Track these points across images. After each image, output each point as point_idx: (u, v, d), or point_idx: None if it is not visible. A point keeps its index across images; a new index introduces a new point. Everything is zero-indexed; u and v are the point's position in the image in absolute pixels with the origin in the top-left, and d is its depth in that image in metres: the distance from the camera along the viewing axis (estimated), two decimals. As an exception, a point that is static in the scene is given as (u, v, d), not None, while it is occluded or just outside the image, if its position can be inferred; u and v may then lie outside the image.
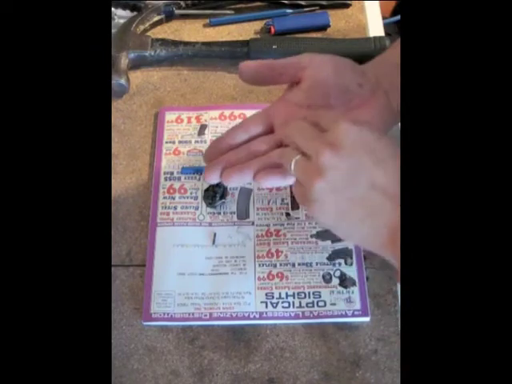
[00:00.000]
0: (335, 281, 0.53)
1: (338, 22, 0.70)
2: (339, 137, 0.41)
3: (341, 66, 0.48)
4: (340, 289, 0.52)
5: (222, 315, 0.51)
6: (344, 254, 0.54)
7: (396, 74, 0.41)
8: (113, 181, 0.59)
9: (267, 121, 0.51)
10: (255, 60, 0.50)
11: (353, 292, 0.52)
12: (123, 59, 0.65)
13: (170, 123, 0.62)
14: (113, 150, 0.61)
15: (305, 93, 0.48)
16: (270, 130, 0.50)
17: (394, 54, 0.48)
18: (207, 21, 0.71)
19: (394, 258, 0.40)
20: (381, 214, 0.40)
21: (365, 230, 0.41)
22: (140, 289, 0.53)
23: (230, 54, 0.66)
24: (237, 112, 0.62)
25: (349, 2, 0.72)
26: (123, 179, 0.60)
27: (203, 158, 0.54)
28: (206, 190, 0.57)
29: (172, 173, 0.59)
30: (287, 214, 0.56)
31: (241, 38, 0.69)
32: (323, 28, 0.70)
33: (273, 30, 0.69)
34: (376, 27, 0.70)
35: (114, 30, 0.68)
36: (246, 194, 0.57)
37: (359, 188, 0.40)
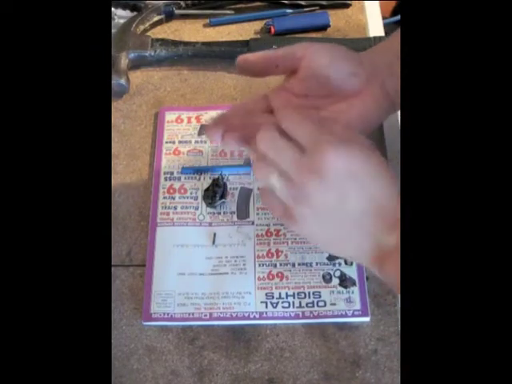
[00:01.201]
0: (335, 281, 0.53)
1: (338, 22, 0.70)
2: (323, 166, 0.39)
3: (336, 56, 0.48)
4: (340, 289, 0.52)
5: (222, 315, 0.51)
6: (344, 253, 0.54)
7: (396, 61, 0.41)
8: (113, 181, 0.59)
9: (267, 103, 0.50)
10: (252, 53, 0.50)
11: (353, 292, 0.52)
12: (123, 59, 0.65)
13: (170, 123, 0.62)
14: (113, 150, 0.61)
15: (301, 83, 0.48)
16: (269, 112, 0.50)
17: (395, 41, 0.48)
18: (207, 21, 0.71)
19: (382, 276, 0.41)
20: (366, 236, 0.40)
21: (352, 248, 0.42)
22: (140, 289, 0.53)
23: (229, 54, 0.66)
24: (237, 112, 0.62)
25: (349, 2, 0.72)
26: (123, 179, 0.60)
27: (204, 130, 0.53)
28: (206, 190, 0.57)
29: (172, 173, 0.59)
30: (287, 214, 0.56)
31: (241, 38, 0.69)
32: (323, 28, 0.70)
33: (273, 29, 0.69)
34: (376, 27, 0.70)
35: (114, 30, 0.68)
36: (245, 193, 0.57)
37: (345, 215, 0.40)
